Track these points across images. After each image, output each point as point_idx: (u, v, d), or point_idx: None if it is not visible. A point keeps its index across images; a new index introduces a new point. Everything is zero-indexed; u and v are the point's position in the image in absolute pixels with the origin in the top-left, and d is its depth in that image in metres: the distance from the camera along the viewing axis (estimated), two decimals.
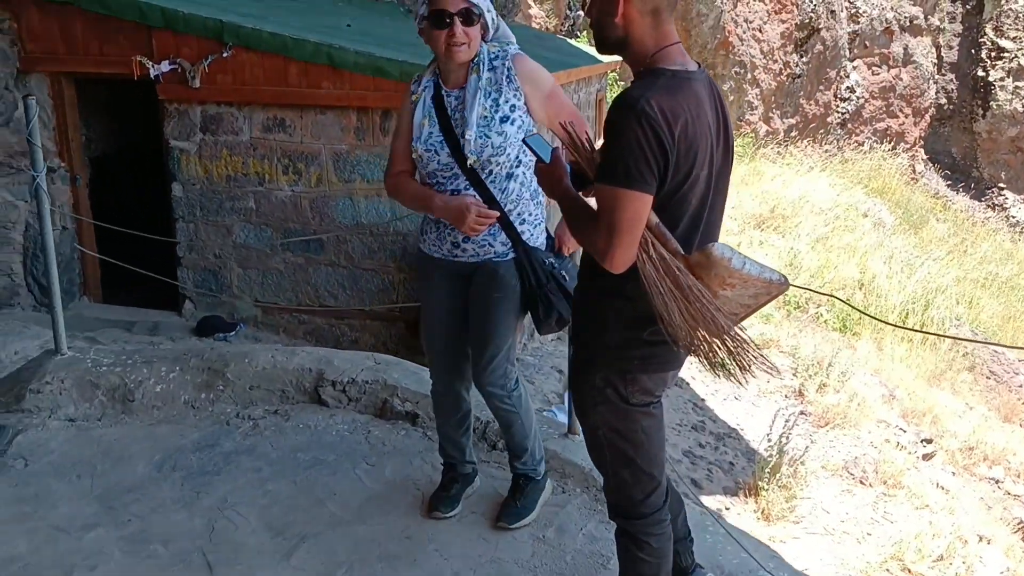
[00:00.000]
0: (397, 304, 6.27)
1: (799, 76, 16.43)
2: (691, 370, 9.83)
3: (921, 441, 7.05)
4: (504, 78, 2.67)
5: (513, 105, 2.67)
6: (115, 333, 6.03)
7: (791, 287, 2.05)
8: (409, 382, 3.80)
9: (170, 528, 3.06)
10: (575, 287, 2.30)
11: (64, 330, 3.98)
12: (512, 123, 2.66)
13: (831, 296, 2.92)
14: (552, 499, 3.17)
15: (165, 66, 5.96)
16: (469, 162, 2.64)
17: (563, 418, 5.27)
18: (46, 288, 6.33)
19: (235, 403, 3.85)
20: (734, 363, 2.02)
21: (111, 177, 7.42)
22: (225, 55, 5.88)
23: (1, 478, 3.34)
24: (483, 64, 2.66)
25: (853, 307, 3.00)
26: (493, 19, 2.70)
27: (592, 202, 2.04)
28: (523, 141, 2.46)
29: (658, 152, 1.84)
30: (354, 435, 3.63)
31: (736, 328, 1.99)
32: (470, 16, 2.59)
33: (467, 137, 2.62)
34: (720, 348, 2.00)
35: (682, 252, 1.94)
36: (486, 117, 2.64)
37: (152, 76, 5.94)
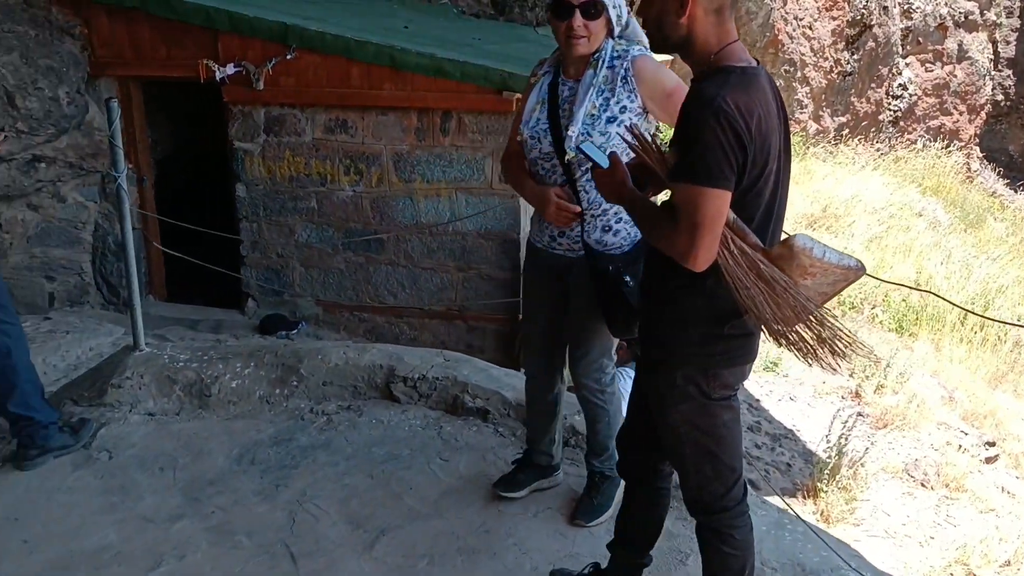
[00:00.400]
0: (456, 303, 6.33)
1: (850, 74, 16.20)
2: None
3: (984, 444, 6.93)
4: (620, 78, 2.63)
5: (624, 107, 2.64)
6: (180, 331, 6.16)
7: (879, 280, 2.09)
8: (479, 379, 3.84)
9: (253, 520, 3.13)
10: (643, 287, 2.30)
11: (142, 327, 4.08)
12: (619, 124, 2.62)
13: (920, 290, 2.90)
14: None
15: (230, 69, 6.08)
16: (567, 156, 2.66)
17: None
18: (114, 287, 6.51)
19: (309, 398, 3.92)
20: (826, 349, 2.04)
21: (175, 178, 7.57)
22: (289, 57, 5.99)
23: (87, 470, 3.45)
24: (603, 60, 2.64)
25: (946, 300, 2.98)
26: (620, 16, 2.66)
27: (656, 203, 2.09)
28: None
29: (737, 149, 1.86)
30: (427, 430, 3.68)
31: (826, 315, 2.03)
32: (592, 9, 2.56)
33: (570, 132, 2.62)
34: (811, 335, 2.04)
35: (762, 246, 1.97)
36: (593, 115, 2.63)
37: (218, 79, 6.06)
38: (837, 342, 2.03)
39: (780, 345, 2.06)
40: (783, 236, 2.07)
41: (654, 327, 2.22)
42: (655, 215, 2.03)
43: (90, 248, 6.49)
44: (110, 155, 3.87)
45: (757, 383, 9.47)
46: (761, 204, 2.00)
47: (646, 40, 2.66)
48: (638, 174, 2.13)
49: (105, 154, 6.25)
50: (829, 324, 2.04)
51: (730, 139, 1.85)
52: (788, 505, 5.33)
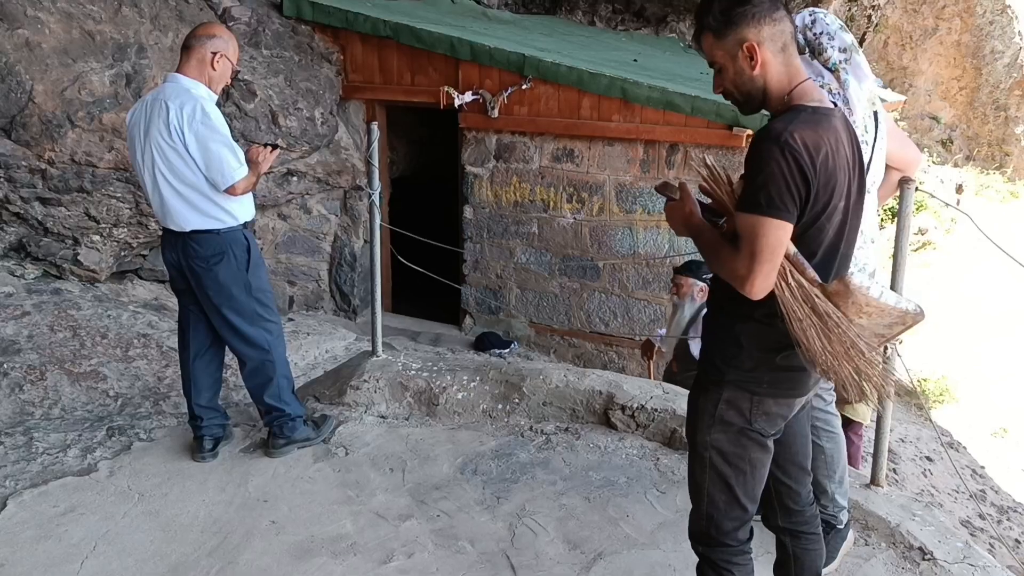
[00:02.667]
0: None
1: None
2: (969, 433, 9.11)
3: None
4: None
5: None
6: (403, 341, 6.51)
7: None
8: None
9: (475, 528, 3.26)
10: (707, 315, 2.30)
11: (380, 335, 4.36)
12: None
13: None
14: (853, 550, 3.07)
15: (468, 96, 6.40)
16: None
17: None
18: (346, 295, 6.97)
19: (528, 417, 4.04)
20: (872, 388, 2.04)
21: (408, 197, 8.03)
22: (524, 87, 6.23)
23: (326, 463, 3.71)
24: None
25: None
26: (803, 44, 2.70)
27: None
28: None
29: (800, 182, 1.90)
30: (643, 460, 3.69)
31: (877, 353, 2.03)
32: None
33: None
34: (859, 373, 2.03)
35: (819, 280, 1.99)
36: None
37: (456, 105, 6.40)
38: (885, 384, 2.05)
39: (828, 379, 2.06)
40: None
41: (712, 350, 2.22)
42: (717, 242, 2.06)
43: (328, 258, 7.00)
44: (366, 174, 4.18)
45: (984, 449, 8.79)
46: (824, 241, 2.03)
47: (825, 73, 2.67)
48: (716, 208, 2.15)
49: (349, 171, 6.74)
50: (878, 364, 2.04)
51: (793, 173, 1.89)
52: None
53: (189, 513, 3.29)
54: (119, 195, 5.72)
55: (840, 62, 2.70)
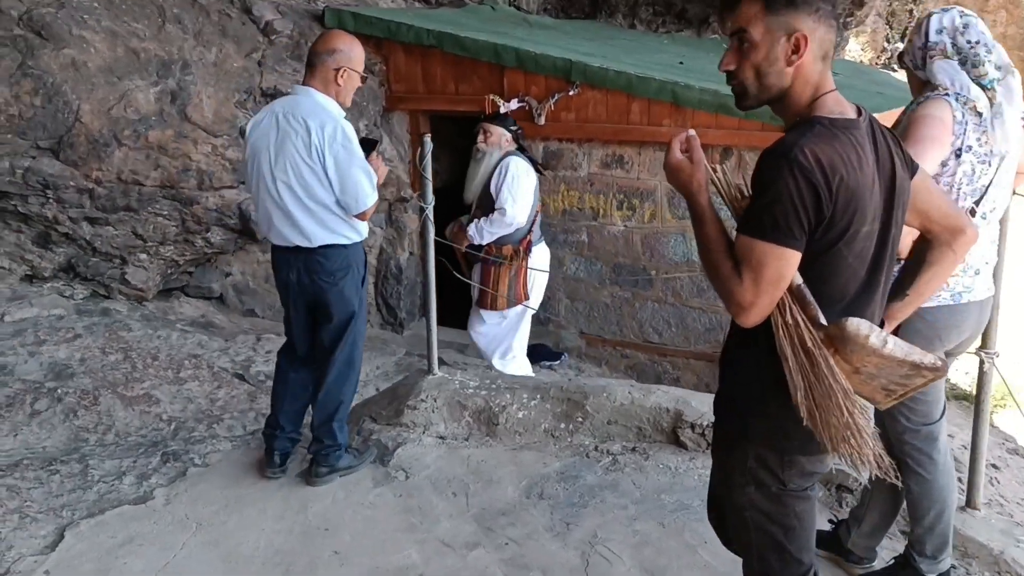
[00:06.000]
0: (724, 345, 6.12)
1: None
2: None
3: None
4: None
5: None
6: (451, 354, 6.38)
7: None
8: None
9: (545, 556, 3.12)
10: (724, 348, 2.03)
11: (436, 353, 4.24)
12: None
13: None
14: None
15: (514, 104, 6.27)
16: None
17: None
18: (392, 308, 6.86)
19: (593, 436, 3.90)
20: (848, 447, 1.81)
21: (451, 207, 7.90)
22: (571, 93, 6.09)
23: (387, 487, 3.60)
24: None
25: None
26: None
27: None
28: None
29: (811, 205, 1.69)
30: None
31: (856, 412, 1.81)
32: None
33: None
34: (839, 424, 1.80)
35: (822, 320, 1.78)
36: None
37: (502, 113, 6.26)
38: (854, 438, 1.81)
39: (805, 425, 1.82)
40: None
41: (733, 392, 1.98)
42: (720, 251, 1.80)
43: (374, 271, 6.90)
44: (419, 187, 4.05)
45: None
46: (842, 270, 1.79)
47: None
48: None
49: (394, 183, 6.64)
50: (855, 420, 1.80)
51: (803, 194, 1.67)
52: None
53: (249, 543, 3.19)
54: (165, 213, 5.66)
55: (996, 80, 2.48)
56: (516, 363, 5.58)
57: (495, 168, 5.13)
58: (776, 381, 1.83)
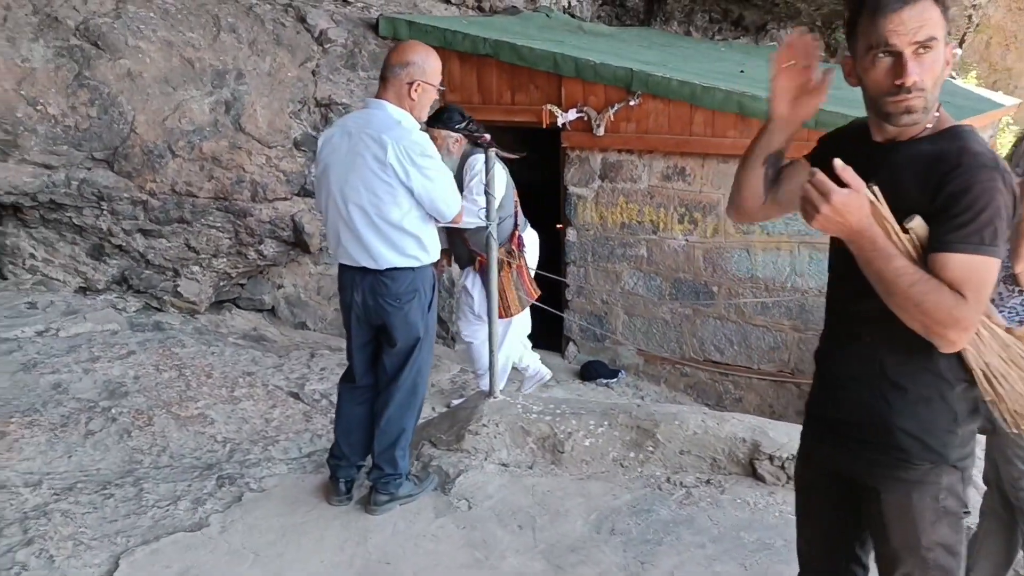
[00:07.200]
0: (789, 365, 5.90)
1: None
2: None
3: None
4: None
5: None
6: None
7: None
8: None
9: None
10: (891, 381, 1.78)
11: (499, 376, 4.08)
12: None
13: None
14: None
15: (572, 114, 6.11)
16: None
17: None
18: (444, 322, 6.72)
19: (664, 467, 3.70)
20: None
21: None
22: (632, 103, 5.91)
23: (449, 518, 3.44)
24: None
25: None
26: None
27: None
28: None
29: (1010, 217, 1.66)
30: None
31: None
32: None
33: None
34: None
35: (1005, 324, 1.77)
36: None
37: (559, 124, 6.11)
38: None
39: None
40: None
41: (922, 426, 1.76)
42: (927, 275, 1.63)
43: None
44: (486, 203, 3.90)
45: None
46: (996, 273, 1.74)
47: None
48: None
49: None
50: None
51: (1009, 204, 1.65)
52: None
53: None
54: (218, 225, 5.59)
55: None
56: (529, 354, 5.30)
57: (462, 173, 4.61)
58: (963, 408, 1.76)
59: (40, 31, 4.99)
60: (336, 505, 3.48)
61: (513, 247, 4.79)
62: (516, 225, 4.83)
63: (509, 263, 4.73)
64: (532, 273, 5.03)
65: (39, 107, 4.84)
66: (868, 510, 1.87)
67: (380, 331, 3.37)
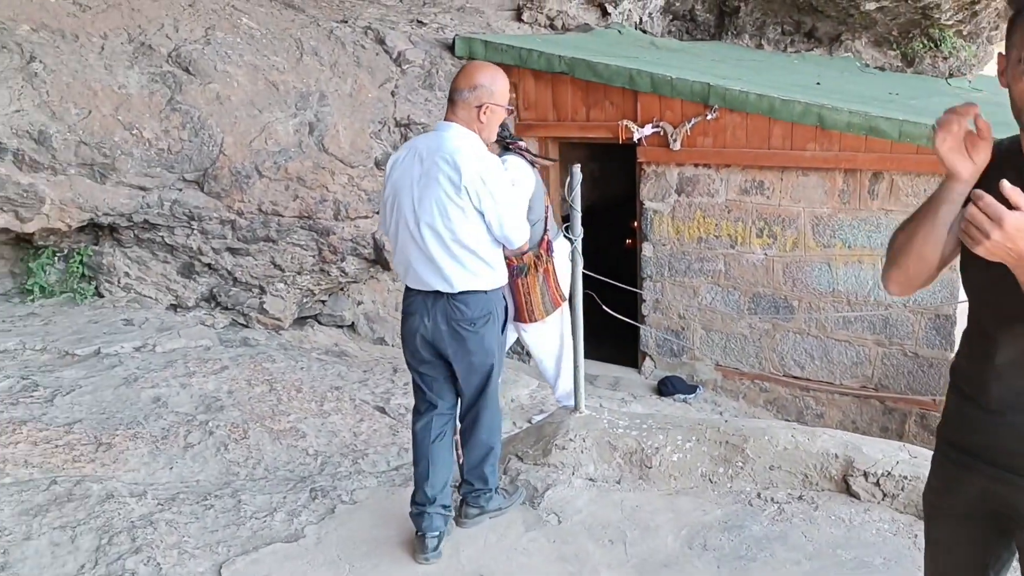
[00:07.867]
0: (872, 380, 5.79)
1: None
2: None
3: None
4: None
5: None
6: (592, 389, 6.23)
7: None
8: None
9: None
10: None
11: (584, 391, 4.10)
12: None
13: None
14: None
15: (648, 130, 6.12)
16: None
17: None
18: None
19: (754, 482, 3.67)
20: None
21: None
22: (709, 117, 5.90)
23: (539, 532, 3.46)
24: None
25: None
26: None
27: None
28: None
29: None
30: (898, 537, 3.26)
31: None
32: None
33: None
34: None
35: None
36: None
37: (635, 139, 6.12)
38: None
39: None
40: None
41: None
42: None
43: None
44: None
45: None
46: None
47: None
48: None
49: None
50: None
51: None
52: None
53: None
54: (303, 243, 5.72)
55: None
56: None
57: None
58: None
59: (135, 58, 5.21)
60: (422, 564, 3.22)
61: (542, 251, 4.77)
62: (546, 230, 4.81)
63: (536, 267, 4.71)
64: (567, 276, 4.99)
65: (135, 131, 5.04)
66: None
67: (453, 357, 3.26)
